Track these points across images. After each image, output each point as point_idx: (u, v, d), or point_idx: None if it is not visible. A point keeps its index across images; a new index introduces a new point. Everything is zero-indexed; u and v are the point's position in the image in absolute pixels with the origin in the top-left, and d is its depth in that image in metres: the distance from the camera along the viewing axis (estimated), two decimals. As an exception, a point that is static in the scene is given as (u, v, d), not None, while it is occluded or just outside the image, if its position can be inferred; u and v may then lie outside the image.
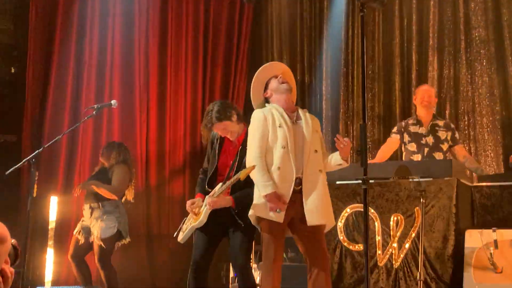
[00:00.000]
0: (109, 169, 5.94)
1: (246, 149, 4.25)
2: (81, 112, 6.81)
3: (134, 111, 7.36)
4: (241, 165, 4.30)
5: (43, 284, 6.09)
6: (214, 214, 4.30)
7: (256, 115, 4.13)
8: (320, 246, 3.97)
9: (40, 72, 6.90)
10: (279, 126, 4.01)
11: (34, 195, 4.51)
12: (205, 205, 4.30)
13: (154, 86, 7.56)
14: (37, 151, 4.61)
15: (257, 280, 5.72)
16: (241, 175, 4.03)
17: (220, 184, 4.35)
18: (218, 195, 4.27)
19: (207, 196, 4.38)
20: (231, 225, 4.34)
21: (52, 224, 6.31)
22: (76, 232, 5.87)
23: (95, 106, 4.86)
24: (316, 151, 4.02)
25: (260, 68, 4.30)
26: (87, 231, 5.82)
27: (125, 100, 7.24)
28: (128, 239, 5.90)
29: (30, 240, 5.17)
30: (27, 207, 4.48)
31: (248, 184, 4.17)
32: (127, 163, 6.00)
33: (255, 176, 3.98)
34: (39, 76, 6.89)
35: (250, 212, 4.05)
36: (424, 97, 5.87)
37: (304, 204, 3.93)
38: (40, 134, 6.79)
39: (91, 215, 5.79)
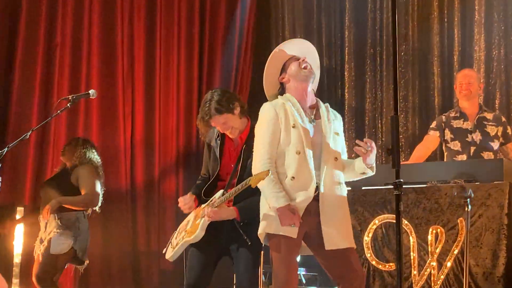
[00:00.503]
0: (71, 171, 5.87)
1: (250, 148, 4.22)
2: (53, 104, 6.82)
3: (117, 103, 7.39)
4: (246, 168, 4.27)
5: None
6: (213, 228, 4.26)
7: (266, 111, 4.08)
8: (351, 267, 3.96)
9: (1, 56, 6.91)
10: (293, 127, 3.98)
11: (-3, 204, 4.53)
12: (202, 217, 4.26)
13: (140, 74, 7.58)
14: (0, 152, 4.62)
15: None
16: (252, 181, 3.96)
17: (221, 191, 4.31)
18: (219, 205, 4.24)
19: (203, 205, 4.35)
20: (233, 241, 4.32)
21: (17, 259, 6.31)
22: (35, 251, 5.83)
23: (70, 97, 4.86)
24: (336, 159, 4.01)
25: (280, 46, 4.23)
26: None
27: (105, 90, 7.27)
28: (86, 263, 5.85)
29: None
30: (-11, 219, 4.49)
31: (253, 192, 4.13)
32: (94, 164, 5.95)
33: (263, 185, 3.96)
34: (1, 59, 6.91)
35: (260, 231, 4.02)
36: (462, 84, 5.87)
37: (321, 223, 3.91)
38: (3, 131, 6.81)
39: (45, 228, 5.76)
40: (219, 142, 4.45)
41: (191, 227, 4.33)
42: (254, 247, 4.26)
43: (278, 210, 3.89)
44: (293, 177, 3.92)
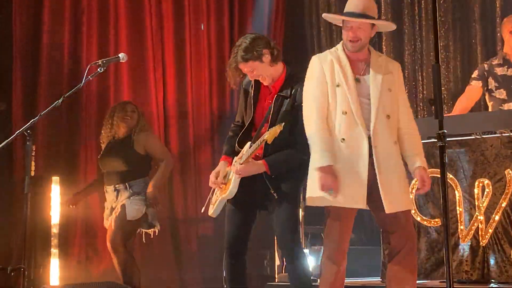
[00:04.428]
0: (133, 139, 6.03)
1: (284, 97, 4.23)
2: (83, 70, 6.86)
3: (147, 67, 7.41)
4: (278, 118, 4.23)
5: (48, 282, 6.24)
6: (246, 183, 4.27)
7: (313, 66, 4.06)
8: (407, 227, 3.99)
9: (29, 23, 6.95)
10: (338, 86, 3.95)
11: (32, 174, 4.58)
12: (234, 172, 4.29)
13: (170, 35, 7.58)
14: (32, 120, 4.66)
15: (310, 268, 5.78)
16: (268, 136, 3.97)
17: (248, 144, 4.30)
18: (246, 160, 4.22)
19: (235, 159, 4.35)
20: (267, 195, 4.30)
21: (55, 218, 6.42)
22: (106, 222, 6.04)
23: (100, 61, 4.88)
24: (388, 116, 3.95)
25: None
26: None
27: (135, 53, 7.28)
28: (158, 227, 6.07)
29: (29, 231, 5.28)
30: (24, 189, 4.55)
31: (290, 144, 4.16)
32: (151, 129, 6.32)
33: (312, 140, 3.94)
34: (28, 27, 6.95)
35: (307, 197, 4.01)
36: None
37: (379, 185, 3.89)
38: (34, 99, 6.88)
39: (117, 198, 5.96)
40: (253, 89, 4.42)
41: (227, 182, 4.35)
42: (289, 201, 4.24)
43: (319, 170, 3.88)
44: (343, 139, 3.90)
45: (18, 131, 4.66)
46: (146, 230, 6.08)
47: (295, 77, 4.34)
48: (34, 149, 4.66)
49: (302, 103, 4.13)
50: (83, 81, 5.07)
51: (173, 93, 7.55)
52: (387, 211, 3.88)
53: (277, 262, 6.29)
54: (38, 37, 6.96)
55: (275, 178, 4.24)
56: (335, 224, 3.96)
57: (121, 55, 4.94)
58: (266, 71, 4.32)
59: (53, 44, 6.98)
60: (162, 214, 7.22)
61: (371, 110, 3.92)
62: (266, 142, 4.05)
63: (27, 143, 4.53)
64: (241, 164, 4.22)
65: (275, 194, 4.23)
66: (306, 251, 5.94)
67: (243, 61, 4.28)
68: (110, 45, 7.26)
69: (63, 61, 7.01)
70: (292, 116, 4.21)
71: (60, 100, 4.73)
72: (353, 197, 3.87)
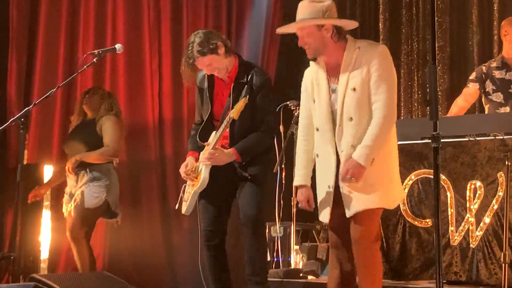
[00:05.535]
0: (96, 121, 5.91)
1: (241, 85, 4.37)
2: (79, 59, 6.86)
3: (143, 57, 7.39)
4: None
5: (38, 270, 6.24)
6: (216, 175, 4.40)
7: (303, 80, 4.07)
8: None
9: (26, 11, 6.94)
10: (314, 101, 3.95)
11: (25, 162, 4.58)
12: (203, 163, 4.40)
13: (167, 26, 7.56)
14: (26, 109, 4.67)
15: (300, 265, 5.80)
16: (233, 113, 4.15)
17: (214, 133, 4.44)
18: (215, 145, 4.35)
19: (201, 153, 4.47)
20: (238, 183, 4.45)
21: (47, 200, 6.42)
22: (65, 208, 5.91)
23: (96, 51, 4.89)
24: (351, 118, 3.80)
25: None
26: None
27: (131, 44, 7.27)
28: (119, 217, 5.95)
29: (21, 217, 5.28)
30: (17, 177, 4.56)
31: (254, 129, 4.34)
32: (119, 117, 6.03)
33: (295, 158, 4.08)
34: (25, 16, 6.94)
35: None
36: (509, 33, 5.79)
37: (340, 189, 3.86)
38: (29, 88, 6.87)
39: (76, 182, 5.83)
40: (207, 82, 4.54)
41: (197, 176, 4.45)
42: (258, 181, 4.41)
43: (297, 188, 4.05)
44: (317, 155, 3.97)
45: (12, 119, 4.67)
46: (108, 219, 5.98)
47: (248, 64, 4.54)
48: (27, 138, 4.65)
49: (260, 87, 4.35)
50: (78, 71, 5.08)
51: (169, 85, 7.53)
52: (347, 215, 3.86)
53: (268, 258, 6.29)
54: (34, 25, 6.96)
55: (246, 162, 4.40)
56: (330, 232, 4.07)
57: (117, 46, 4.95)
58: (222, 63, 4.45)
59: (50, 33, 6.97)
60: (153, 204, 7.25)
61: (337, 116, 3.86)
62: (231, 131, 4.31)
63: (21, 131, 4.54)
64: (211, 149, 4.36)
65: (246, 174, 4.38)
66: (296, 247, 5.95)
67: (200, 55, 4.37)
68: (107, 35, 7.25)
69: (59, 51, 7.01)
70: (252, 101, 4.34)
71: (54, 90, 4.74)
72: (323, 212, 3.95)
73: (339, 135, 3.84)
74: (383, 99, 3.78)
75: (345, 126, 3.82)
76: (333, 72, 3.90)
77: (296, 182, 4.03)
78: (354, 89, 3.80)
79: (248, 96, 4.29)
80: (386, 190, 3.88)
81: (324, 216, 3.93)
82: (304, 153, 4.04)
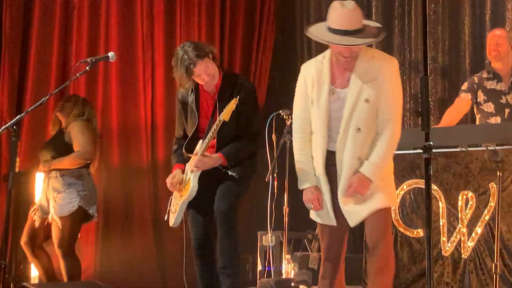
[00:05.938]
0: (65, 129, 5.85)
1: (225, 94, 4.41)
2: (71, 67, 6.85)
3: (136, 66, 7.39)
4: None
5: (29, 279, 6.20)
6: (204, 183, 4.44)
7: (299, 78, 3.99)
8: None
9: (19, 18, 6.92)
10: (312, 103, 3.87)
11: (16, 170, 4.56)
12: (191, 171, 4.43)
13: (160, 35, 7.56)
14: (18, 116, 4.65)
15: (291, 275, 5.78)
16: (224, 115, 4.21)
17: (201, 141, 4.49)
18: (203, 153, 4.40)
19: (187, 164, 4.51)
20: (222, 181, 4.52)
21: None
22: (32, 211, 5.85)
23: (89, 59, 4.87)
24: (359, 129, 3.77)
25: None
26: (43, 210, 5.79)
27: (124, 53, 7.26)
28: (96, 218, 5.86)
29: (12, 226, 5.25)
30: (8, 185, 4.54)
31: (238, 136, 4.41)
32: (91, 121, 5.92)
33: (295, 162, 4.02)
34: (18, 22, 6.92)
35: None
36: (490, 45, 5.81)
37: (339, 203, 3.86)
38: (21, 95, 6.85)
39: (48, 186, 5.76)
40: (193, 95, 4.57)
41: (184, 186, 4.49)
42: (238, 181, 4.48)
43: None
44: (313, 157, 3.94)
45: (3, 127, 4.65)
46: (86, 223, 5.87)
47: (231, 74, 4.69)
48: (19, 146, 4.63)
49: (245, 94, 4.41)
50: (71, 79, 5.07)
51: (162, 94, 7.52)
52: (351, 225, 3.89)
53: (259, 267, 6.28)
54: (27, 33, 6.94)
55: (231, 166, 4.47)
56: (322, 237, 4.06)
57: (110, 54, 4.93)
58: (215, 69, 4.52)
59: (42, 40, 6.96)
60: (145, 215, 7.23)
61: (340, 124, 3.80)
62: (217, 139, 4.39)
63: (13, 139, 4.52)
64: (200, 157, 4.41)
65: (229, 172, 4.46)
66: (288, 257, 5.94)
67: (199, 58, 4.41)
68: (100, 43, 7.24)
69: (52, 58, 6.99)
70: (237, 110, 4.37)
71: (46, 97, 4.72)
72: (320, 214, 3.96)
73: (341, 143, 3.80)
74: (394, 115, 3.83)
75: (351, 136, 3.79)
76: (338, 75, 3.85)
77: (301, 185, 3.93)
78: (368, 101, 3.77)
79: (238, 96, 4.34)
80: (391, 190, 4.01)
81: (325, 217, 3.92)
82: (303, 154, 3.95)
